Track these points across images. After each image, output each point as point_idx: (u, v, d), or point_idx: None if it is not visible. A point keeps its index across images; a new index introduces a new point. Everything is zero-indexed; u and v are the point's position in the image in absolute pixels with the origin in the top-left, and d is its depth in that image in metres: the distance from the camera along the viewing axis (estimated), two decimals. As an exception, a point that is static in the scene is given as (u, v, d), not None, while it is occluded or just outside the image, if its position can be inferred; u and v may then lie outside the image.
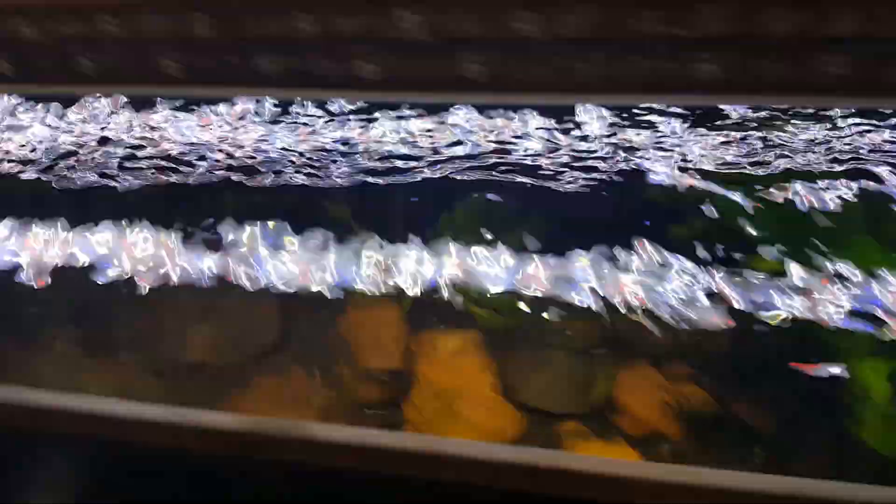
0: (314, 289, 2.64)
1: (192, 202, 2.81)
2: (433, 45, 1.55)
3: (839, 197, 2.59)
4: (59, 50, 1.83)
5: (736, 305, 2.45)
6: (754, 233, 2.66)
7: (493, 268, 2.67)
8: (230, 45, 1.69)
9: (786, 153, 2.77)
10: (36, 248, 2.75)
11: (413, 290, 2.62)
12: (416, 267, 2.66)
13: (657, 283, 2.53)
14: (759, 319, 2.40)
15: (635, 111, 2.82)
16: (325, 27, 1.60)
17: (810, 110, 2.47)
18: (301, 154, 2.89)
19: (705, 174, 2.89)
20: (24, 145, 2.89)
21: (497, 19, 1.48)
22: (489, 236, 2.72)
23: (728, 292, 2.47)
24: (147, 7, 1.70)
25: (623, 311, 2.48)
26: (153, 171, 2.63)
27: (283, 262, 2.76)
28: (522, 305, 2.55)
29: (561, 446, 2.20)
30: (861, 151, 2.59)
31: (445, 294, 2.59)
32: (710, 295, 2.53)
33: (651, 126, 2.97)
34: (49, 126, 3.05)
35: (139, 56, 1.77)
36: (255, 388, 2.46)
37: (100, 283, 2.65)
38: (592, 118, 2.74)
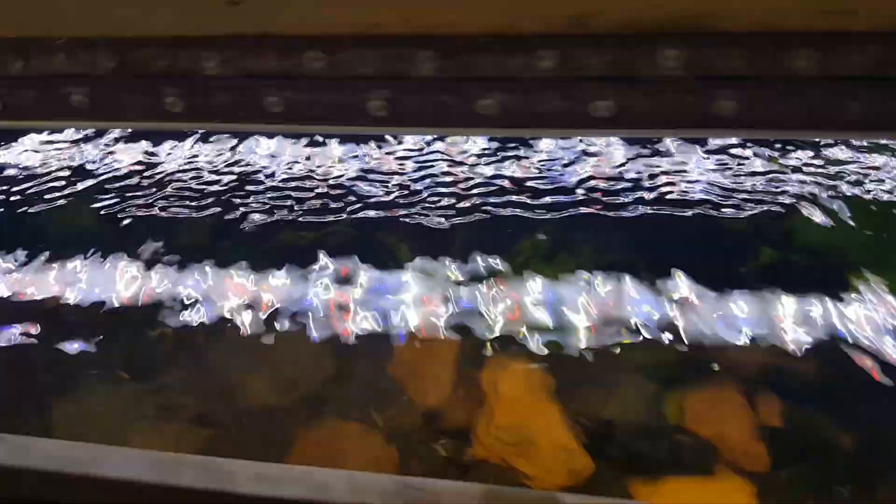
0: (367, 325, 2.60)
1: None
2: (685, 81, 1.48)
3: None
4: (243, 86, 1.72)
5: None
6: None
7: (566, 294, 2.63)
8: (448, 83, 1.60)
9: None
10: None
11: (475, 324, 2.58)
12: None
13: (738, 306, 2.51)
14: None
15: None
16: (563, 62, 1.52)
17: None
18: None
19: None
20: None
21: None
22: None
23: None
24: (353, 42, 1.60)
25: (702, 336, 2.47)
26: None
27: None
28: (589, 332, 2.52)
29: (635, 479, 2.17)
30: None
31: (510, 326, 2.55)
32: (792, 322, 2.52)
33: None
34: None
35: (340, 94, 1.67)
36: (314, 435, 2.38)
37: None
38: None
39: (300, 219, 2.99)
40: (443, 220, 2.92)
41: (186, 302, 2.70)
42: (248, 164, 3.19)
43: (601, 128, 1.54)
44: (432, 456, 2.28)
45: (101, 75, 1.75)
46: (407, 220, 2.93)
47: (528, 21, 1.49)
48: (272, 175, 3.13)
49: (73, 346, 2.57)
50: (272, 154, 3.22)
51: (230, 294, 2.70)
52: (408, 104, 1.63)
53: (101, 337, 2.63)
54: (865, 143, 3.03)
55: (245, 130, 2.35)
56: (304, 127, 1.72)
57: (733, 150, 3.19)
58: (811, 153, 3.09)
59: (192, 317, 2.68)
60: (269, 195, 3.06)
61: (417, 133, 2.04)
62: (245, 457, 2.32)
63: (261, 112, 1.72)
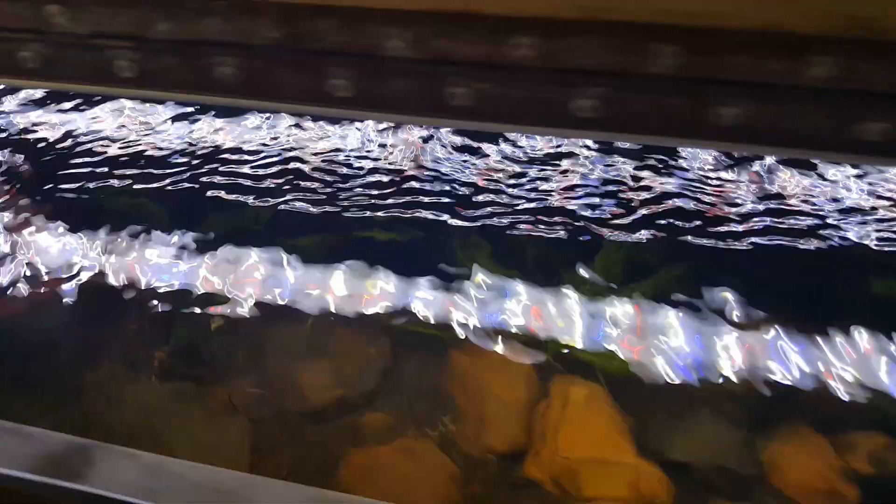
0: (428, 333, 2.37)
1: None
2: None
3: None
4: (427, 72, 1.48)
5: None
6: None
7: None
8: (686, 84, 1.36)
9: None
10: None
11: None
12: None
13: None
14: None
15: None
16: (837, 72, 1.28)
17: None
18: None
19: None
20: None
21: None
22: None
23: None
24: (574, 27, 1.36)
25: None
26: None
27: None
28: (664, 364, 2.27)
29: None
30: None
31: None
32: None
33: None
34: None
35: (544, 88, 1.42)
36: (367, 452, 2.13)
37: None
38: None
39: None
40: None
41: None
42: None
43: (868, 155, 1.28)
44: (492, 477, 2.06)
45: (258, 45, 1.53)
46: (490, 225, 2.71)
47: (801, 19, 1.25)
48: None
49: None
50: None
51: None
52: (625, 105, 1.39)
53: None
54: None
55: (420, 124, 2.12)
56: (491, 125, 1.47)
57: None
58: None
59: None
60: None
61: (628, 140, 1.81)
62: (294, 464, 2.11)
63: (441, 104, 1.48)
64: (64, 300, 2.51)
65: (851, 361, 2.23)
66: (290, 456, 2.13)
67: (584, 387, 2.25)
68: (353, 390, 2.29)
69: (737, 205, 2.64)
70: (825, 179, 2.82)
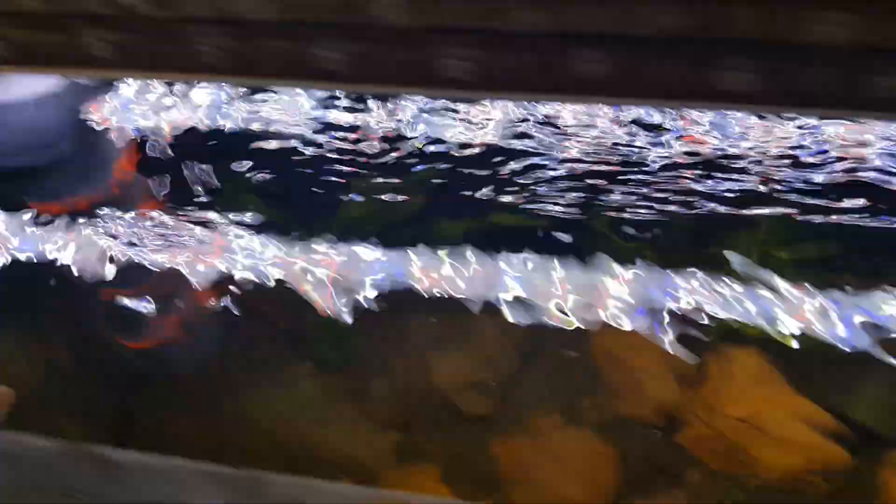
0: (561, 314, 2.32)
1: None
2: None
3: None
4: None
5: None
6: None
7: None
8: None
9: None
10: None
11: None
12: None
13: None
14: None
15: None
16: None
17: None
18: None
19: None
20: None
21: None
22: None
23: None
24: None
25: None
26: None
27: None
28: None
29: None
30: None
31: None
32: None
33: None
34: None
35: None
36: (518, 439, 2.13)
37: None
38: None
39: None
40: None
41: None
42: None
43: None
44: (654, 454, 2.10)
45: (495, 30, 1.34)
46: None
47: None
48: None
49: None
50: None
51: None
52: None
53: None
54: None
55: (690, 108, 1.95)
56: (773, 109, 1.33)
57: None
58: None
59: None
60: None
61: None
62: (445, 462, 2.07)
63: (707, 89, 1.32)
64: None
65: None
66: (442, 454, 2.09)
67: (745, 353, 2.20)
68: (495, 379, 2.24)
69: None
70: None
